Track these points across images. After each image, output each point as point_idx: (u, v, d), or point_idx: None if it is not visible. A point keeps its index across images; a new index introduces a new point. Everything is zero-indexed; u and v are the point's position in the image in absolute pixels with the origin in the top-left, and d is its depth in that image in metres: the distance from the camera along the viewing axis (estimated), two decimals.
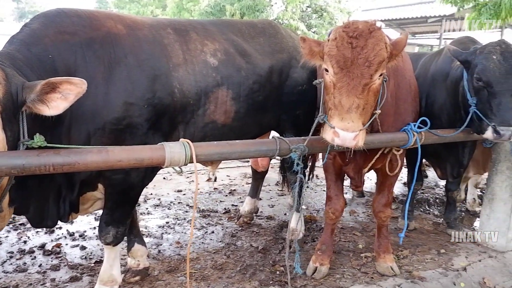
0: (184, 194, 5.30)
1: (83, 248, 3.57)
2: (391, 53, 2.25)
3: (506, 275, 3.47)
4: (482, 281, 3.31)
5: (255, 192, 4.37)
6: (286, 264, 2.59)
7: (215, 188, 5.66)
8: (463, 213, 4.92)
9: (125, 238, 2.95)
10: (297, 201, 3.81)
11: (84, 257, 3.41)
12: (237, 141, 2.16)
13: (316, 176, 5.95)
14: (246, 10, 15.00)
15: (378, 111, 2.37)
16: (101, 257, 3.23)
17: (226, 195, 5.38)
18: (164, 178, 5.97)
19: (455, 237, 3.92)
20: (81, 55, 2.21)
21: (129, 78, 2.35)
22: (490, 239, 3.79)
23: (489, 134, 2.97)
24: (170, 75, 2.52)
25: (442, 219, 4.70)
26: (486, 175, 4.10)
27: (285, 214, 4.65)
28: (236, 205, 4.88)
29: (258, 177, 4.37)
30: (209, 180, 5.94)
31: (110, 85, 2.27)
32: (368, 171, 3.09)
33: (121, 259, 3.27)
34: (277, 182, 5.59)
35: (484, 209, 3.86)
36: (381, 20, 19.21)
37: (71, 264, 3.26)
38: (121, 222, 2.67)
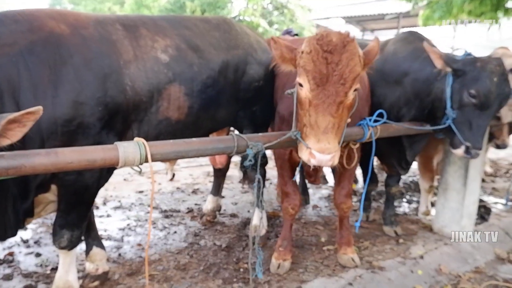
0: (146, 195, 5.19)
1: (38, 255, 3.41)
2: (364, 64, 2.22)
3: (460, 261, 3.63)
4: (438, 268, 3.44)
5: (217, 190, 4.34)
6: (249, 262, 2.58)
7: (177, 188, 5.58)
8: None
9: (83, 242, 2.85)
10: (258, 197, 3.84)
11: (39, 264, 3.26)
12: (194, 139, 2.12)
13: None
14: (207, 7, 14.86)
15: (348, 120, 2.37)
16: (57, 264, 3.09)
17: (189, 194, 5.31)
18: (124, 179, 5.82)
19: (389, 234, 3.95)
20: (23, 63, 2.11)
21: (77, 78, 2.27)
22: (445, 227, 3.94)
23: (459, 151, 3.01)
24: (121, 72, 2.46)
25: (401, 209, 4.87)
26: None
27: (248, 211, 4.65)
28: (199, 204, 4.83)
29: (219, 174, 4.34)
30: (171, 179, 5.85)
31: (57, 87, 2.19)
32: None
33: (80, 264, 3.17)
34: (240, 179, 5.58)
35: (439, 199, 4.01)
36: (341, 17, 19.66)
37: (25, 272, 3.11)
38: (76, 225, 2.57)
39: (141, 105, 2.57)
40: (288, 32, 7.03)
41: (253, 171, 3.68)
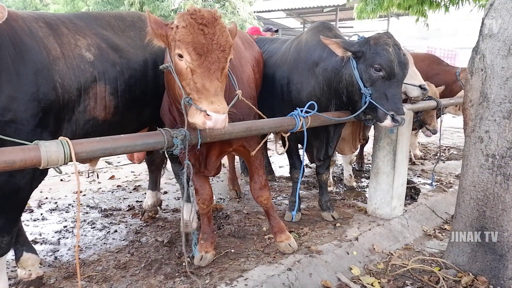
0: (84, 195, 5.02)
1: None
2: None
3: (391, 240, 3.88)
4: (371, 248, 3.66)
5: (154, 184, 4.30)
6: (185, 255, 2.61)
7: (118, 186, 5.44)
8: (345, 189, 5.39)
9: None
10: (186, 190, 3.83)
11: None
12: (121, 135, 2.09)
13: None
14: (146, 0, 14.48)
15: (239, 91, 2.52)
16: None
17: (131, 192, 5.21)
18: (61, 180, 5.58)
19: (327, 219, 4.14)
20: None
21: (13, 70, 2.19)
22: (377, 209, 4.19)
23: (388, 122, 3.15)
24: (51, 68, 2.39)
25: (338, 195, 5.09)
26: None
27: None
28: (141, 201, 4.75)
29: (154, 168, 4.28)
30: (95, 180, 5.68)
31: None
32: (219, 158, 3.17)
33: (13, 270, 3.03)
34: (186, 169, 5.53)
35: (371, 182, 4.25)
36: (282, 10, 19.94)
37: None
38: (5, 231, 2.45)
39: (69, 104, 2.51)
40: (269, 29, 7.12)
41: (176, 165, 3.70)
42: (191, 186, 2.59)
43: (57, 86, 2.40)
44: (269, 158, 6.08)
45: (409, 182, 4.97)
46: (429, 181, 5.37)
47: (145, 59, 3.00)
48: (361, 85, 3.20)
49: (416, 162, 6.67)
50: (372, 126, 4.36)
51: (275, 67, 3.95)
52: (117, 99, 2.80)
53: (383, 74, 3.14)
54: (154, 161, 4.18)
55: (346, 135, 4.63)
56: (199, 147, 2.46)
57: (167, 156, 2.27)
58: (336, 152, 5.23)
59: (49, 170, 2.52)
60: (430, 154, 7.58)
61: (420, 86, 4.08)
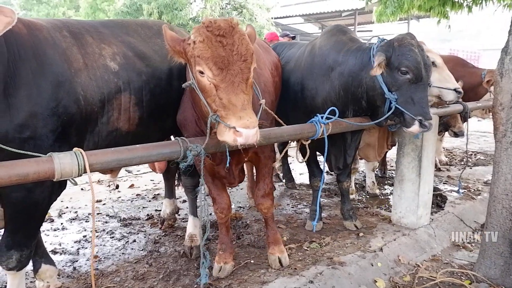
0: (104, 204, 5.02)
1: None
2: None
3: (418, 251, 3.71)
4: (397, 259, 3.51)
5: (170, 192, 4.27)
6: (200, 268, 2.53)
7: (137, 194, 5.43)
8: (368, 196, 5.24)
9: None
10: (191, 204, 3.78)
11: None
12: (136, 145, 2.04)
13: None
14: (164, 9, 14.64)
15: (263, 101, 2.43)
16: (5, 283, 2.94)
17: (150, 200, 5.19)
18: (82, 189, 5.60)
19: (350, 228, 4.00)
20: None
21: (34, 84, 2.14)
22: (402, 218, 4.03)
23: (415, 128, 3.00)
24: (73, 81, 2.33)
25: (361, 203, 4.94)
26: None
27: (210, 214, 4.57)
28: (160, 210, 4.71)
29: (169, 176, 4.25)
30: (116, 187, 5.70)
31: (13, 89, 2.05)
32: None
33: (32, 281, 3.01)
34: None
35: (396, 190, 4.10)
36: (300, 15, 19.88)
37: None
38: (25, 245, 2.42)
39: (92, 115, 2.46)
40: (286, 35, 7.09)
41: (188, 178, 3.66)
42: (207, 195, 2.50)
43: (79, 99, 2.35)
44: (289, 165, 5.98)
45: (435, 189, 4.79)
46: (456, 188, 5.16)
47: (170, 68, 2.91)
48: (385, 90, 3.06)
49: (441, 168, 6.45)
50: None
51: (289, 73, 3.86)
52: (142, 110, 2.73)
53: (410, 77, 3.00)
54: (169, 169, 4.15)
55: (372, 141, 4.49)
56: (227, 165, 2.38)
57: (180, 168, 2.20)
58: (358, 159, 5.09)
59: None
60: (455, 159, 7.34)
61: (455, 90, 3.95)
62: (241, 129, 1.99)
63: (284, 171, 5.85)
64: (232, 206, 4.78)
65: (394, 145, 5.12)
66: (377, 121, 3.21)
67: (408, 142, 3.90)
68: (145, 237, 3.98)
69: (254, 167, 3.36)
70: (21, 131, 2.05)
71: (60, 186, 2.48)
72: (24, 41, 2.17)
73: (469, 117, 4.79)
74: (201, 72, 2.13)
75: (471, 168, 6.60)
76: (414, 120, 2.99)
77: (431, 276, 3.31)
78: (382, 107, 3.15)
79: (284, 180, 5.86)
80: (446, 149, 8.02)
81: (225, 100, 2.06)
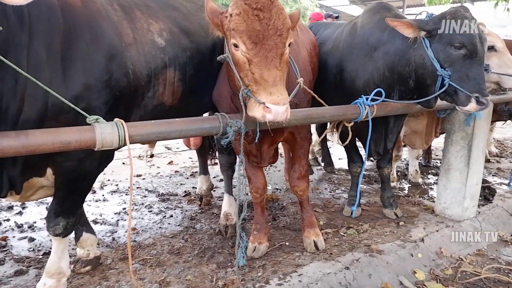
0: (144, 179, 5.14)
1: (31, 240, 3.37)
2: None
3: (462, 244, 3.53)
4: (439, 251, 3.36)
5: (205, 168, 4.30)
6: (236, 248, 2.51)
7: (176, 171, 5.52)
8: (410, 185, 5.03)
9: None
10: (227, 182, 3.77)
11: (31, 249, 3.23)
12: (176, 119, 2.02)
13: (280, 154, 5.90)
14: None
15: (301, 79, 2.36)
16: (50, 249, 3.06)
17: (187, 178, 5.25)
18: (123, 163, 5.76)
19: (389, 216, 3.86)
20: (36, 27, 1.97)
21: (88, 56, 2.16)
22: (446, 209, 3.84)
23: (472, 105, 2.81)
24: (124, 55, 2.35)
25: (402, 191, 4.77)
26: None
27: (246, 194, 4.56)
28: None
29: (203, 152, 4.27)
30: (151, 156, 5.81)
31: (69, 61, 2.08)
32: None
33: (73, 248, 3.12)
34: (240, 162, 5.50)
35: (441, 180, 3.90)
36: None
37: (17, 257, 3.07)
38: (72, 213, 2.51)
39: (139, 90, 2.49)
40: (329, 16, 6.91)
41: (224, 155, 3.63)
42: (245, 177, 2.45)
43: (129, 73, 2.38)
44: (329, 149, 5.85)
45: (483, 181, 4.52)
46: (507, 181, 4.87)
47: (214, 43, 2.90)
48: (437, 66, 2.86)
49: (491, 160, 6.10)
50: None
51: (326, 54, 3.70)
52: (185, 85, 2.75)
53: (465, 52, 2.80)
54: (203, 145, 4.16)
55: (419, 128, 4.28)
56: (256, 140, 2.33)
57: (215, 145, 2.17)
58: (401, 146, 4.88)
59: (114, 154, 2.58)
60: (506, 151, 6.92)
61: None
62: (271, 105, 1.94)
63: (323, 154, 5.74)
64: (269, 187, 4.76)
65: (443, 133, 4.87)
66: (426, 98, 3.01)
67: (458, 129, 3.68)
68: (181, 213, 4.03)
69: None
70: (77, 103, 2.05)
71: (108, 158, 2.54)
72: (78, 14, 2.18)
73: None
74: (236, 46, 2.10)
75: None
76: (470, 97, 2.78)
77: (475, 271, 3.14)
78: (433, 86, 2.94)
79: (323, 164, 5.75)
80: (497, 140, 7.57)
81: (257, 75, 2.01)
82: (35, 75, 1.79)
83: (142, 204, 4.26)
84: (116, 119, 1.87)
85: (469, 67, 2.81)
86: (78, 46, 2.12)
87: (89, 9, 2.26)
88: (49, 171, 2.31)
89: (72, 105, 1.84)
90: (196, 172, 5.46)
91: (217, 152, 4.03)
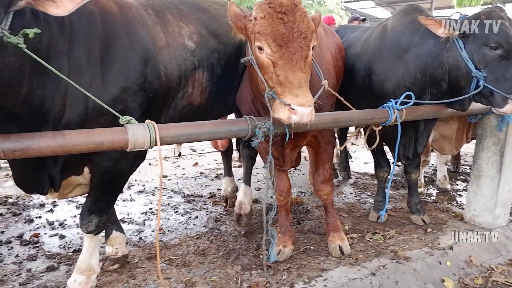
0: (170, 180, 5.21)
1: (62, 237, 3.48)
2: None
3: (493, 253, 3.43)
4: (468, 259, 3.27)
5: (230, 170, 4.34)
6: (263, 245, 2.52)
7: (201, 173, 5.58)
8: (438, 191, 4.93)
9: None
10: (246, 172, 3.85)
11: (62, 246, 3.33)
12: (205, 121, 2.05)
13: (305, 158, 5.88)
14: None
15: (325, 81, 2.37)
16: (80, 246, 3.16)
17: (212, 179, 5.30)
18: (149, 164, 5.86)
19: (417, 222, 3.78)
20: (77, 33, 2.06)
21: (125, 60, 2.26)
22: (477, 217, 3.74)
23: (509, 107, 2.76)
24: (157, 58, 2.45)
25: (430, 197, 4.67)
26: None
27: (271, 197, 4.56)
28: None
29: (228, 154, 4.32)
30: (178, 155, 5.89)
31: (107, 65, 2.17)
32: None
33: (101, 247, 3.20)
34: (264, 165, 5.50)
35: (471, 186, 3.80)
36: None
37: (48, 253, 3.17)
38: (104, 211, 2.59)
39: (170, 91, 2.58)
40: (355, 18, 6.89)
41: (246, 147, 3.67)
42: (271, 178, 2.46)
43: (161, 75, 2.46)
44: (348, 153, 5.78)
45: None
46: None
47: (240, 44, 2.93)
48: (471, 68, 2.80)
49: None
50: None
51: (354, 57, 3.66)
52: (213, 85, 2.82)
53: (501, 53, 2.74)
54: (228, 147, 4.22)
55: (449, 133, 4.18)
56: (287, 140, 2.34)
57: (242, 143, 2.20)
58: (430, 151, 4.78)
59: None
60: None
61: None
62: (296, 107, 1.96)
63: (341, 159, 5.63)
64: (293, 191, 4.74)
65: (474, 139, 4.75)
66: (459, 97, 2.95)
67: (490, 135, 3.58)
68: (207, 214, 4.07)
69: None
70: (114, 105, 2.13)
71: (140, 158, 2.62)
72: (116, 19, 2.27)
73: None
74: (260, 48, 2.13)
75: None
76: (507, 99, 2.72)
77: (507, 282, 3.04)
78: (467, 88, 2.88)
79: (338, 168, 5.64)
80: None
81: (282, 77, 2.04)
82: (76, 80, 1.86)
83: (168, 204, 4.32)
84: (147, 121, 1.91)
85: (506, 68, 2.74)
86: (116, 50, 2.20)
87: (125, 14, 2.35)
88: (86, 170, 2.40)
89: (107, 107, 1.90)
90: (220, 174, 5.50)
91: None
